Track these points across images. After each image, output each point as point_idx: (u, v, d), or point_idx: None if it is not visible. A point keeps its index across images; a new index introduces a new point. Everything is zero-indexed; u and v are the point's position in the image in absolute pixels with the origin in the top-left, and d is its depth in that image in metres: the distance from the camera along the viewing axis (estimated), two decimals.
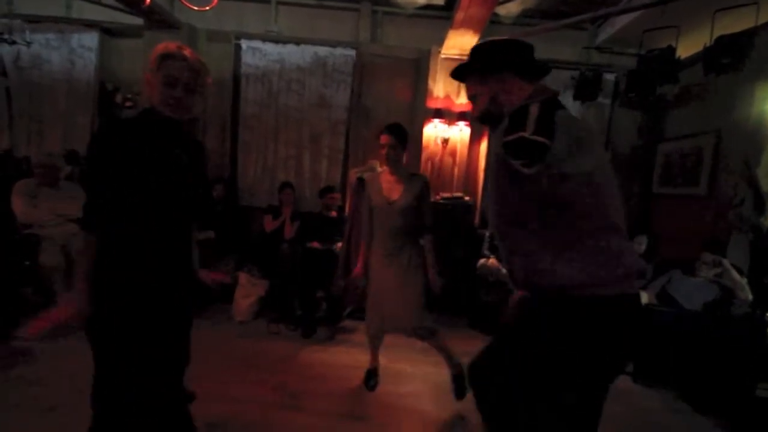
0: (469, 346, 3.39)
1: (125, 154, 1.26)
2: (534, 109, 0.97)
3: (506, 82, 1.18)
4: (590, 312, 1.06)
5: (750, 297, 2.85)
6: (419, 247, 2.35)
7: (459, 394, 2.37)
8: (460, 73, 1.30)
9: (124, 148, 1.26)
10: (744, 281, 2.92)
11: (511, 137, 0.97)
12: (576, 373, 1.08)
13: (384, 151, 2.27)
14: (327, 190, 4.14)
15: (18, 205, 3.16)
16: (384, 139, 2.27)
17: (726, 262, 3.04)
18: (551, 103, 1.01)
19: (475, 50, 1.25)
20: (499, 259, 3.71)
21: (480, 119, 1.26)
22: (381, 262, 2.34)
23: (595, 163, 1.04)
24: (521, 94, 1.16)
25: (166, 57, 1.30)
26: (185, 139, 1.43)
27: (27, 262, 3.05)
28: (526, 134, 0.94)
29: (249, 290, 3.64)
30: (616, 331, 1.08)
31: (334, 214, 4.12)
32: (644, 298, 3.10)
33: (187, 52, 1.33)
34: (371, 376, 2.61)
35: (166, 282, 1.39)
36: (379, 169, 4.23)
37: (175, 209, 1.39)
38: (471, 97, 1.28)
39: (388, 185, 2.32)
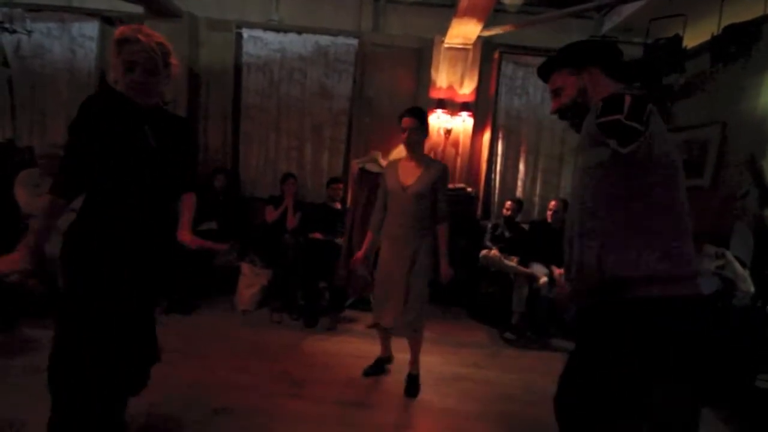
0: (470, 337, 3.44)
1: (95, 129, 1.29)
2: (628, 99, 1.01)
3: (595, 76, 1.24)
4: (670, 312, 1.09)
5: (752, 289, 2.84)
6: (431, 236, 2.31)
7: (414, 392, 2.41)
8: (547, 68, 1.34)
9: (95, 124, 1.29)
10: (746, 273, 2.91)
11: (607, 118, 1.02)
12: (662, 372, 1.13)
13: (405, 135, 2.21)
14: (332, 181, 4.14)
15: (22, 195, 3.17)
16: (406, 122, 2.21)
17: (729, 254, 3.03)
18: (644, 98, 1.04)
19: (567, 46, 1.30)
20: (503, 250, 3.71)
21: (563, 112, 1.30)
22: (391, 249, 2.32)
23: (676, 157, 1.11)
24: (608, 90, 1.18)
25: (122, 42, 1.31)
26: (158, 119, 1.44)
27: None
28: (622, 118, 0.99)
29: (252, 280, 3.66)
30: (691, 333, 1.13)
31: (338, 205, 4.12)
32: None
33: (142, 35, 1.32)
34: (378, 365, 2.63)
35: (132, 257, 1.42)
36: (381, 161, 4.23)
37: (143, 188, 1.40)
38: (555, 91, 1.32)
39: (405, 171, 2.28)
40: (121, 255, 1.40)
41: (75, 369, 1.36)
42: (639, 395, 1.13)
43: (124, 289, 1.42)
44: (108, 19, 4.46)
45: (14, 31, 4.19)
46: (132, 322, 1.49)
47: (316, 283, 3.60)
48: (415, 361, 2.47)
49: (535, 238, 3.76)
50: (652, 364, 1.10)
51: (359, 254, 2.45)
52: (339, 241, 3.89)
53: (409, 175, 2.26)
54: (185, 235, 1.58)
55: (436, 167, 2.28)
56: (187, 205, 1.62)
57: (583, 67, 1.25)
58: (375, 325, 2.53)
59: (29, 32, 4.27)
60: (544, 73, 1.35)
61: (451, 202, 4.14)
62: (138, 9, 4.17)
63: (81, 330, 1.36)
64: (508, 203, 4.04)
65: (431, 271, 2.33)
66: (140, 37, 1.31)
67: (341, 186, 4.16)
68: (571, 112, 1.28)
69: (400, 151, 4.64)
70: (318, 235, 3.81)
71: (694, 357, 1.13)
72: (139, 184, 1.39)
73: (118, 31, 1.32)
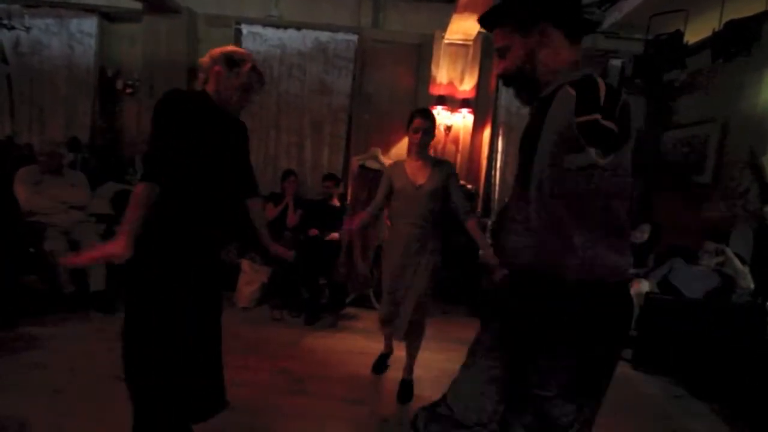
0: (470, 334, 3.42)
1: (187, 121, 1.36)
2: (602, 87, 0.85)
3: (547, 37, 1.00)
4: (617, 296, 1.01)
5: (751, 286, 2.85)
6: (439, 238, 2.32)
7: (409, 398, 2.36)
8: (490, 19, 1.09)
9: (187, 116, 1.36)
10: (746, 270, 2.92)
11: (585, 118, 0.85)
12: (610, 354, 1.04)
13: (418, 136, 2.21)
14: (325, 178, 4.13)
15: (22, 192, 3.16)
16: (418, 122, 2.21)
17: (729, 250, 3.04)
18: (616, 89, 0.88)
19: None
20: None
21: (507, 78, 1.08)
22: (400, 249, 2.29)
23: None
24: (564, 57, 1.00)
25: (254, 69, 1.49)
26: (234, 120, 1.58)
27: (31, 250, 3.07)
28: (599, 117, 0.83)
29: (252, 277, 3.66)
30: (630, 314, 1.10)
31: (336, 202, 4.12)
32: (646, 286, 3.10)
33: (257, 64, 1.54)
34: (382, 361, 2.63)
35: (207, 248, 1.49)
36: (381, 158, 4.22)
37: (222, 182, 1.49)
38: (500, 50, 1.07)
39: (414, 170, 2.27)
40: (197, 258, 1.46)
41: (158, 370, 1.39)
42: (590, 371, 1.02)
43: (199, 295, 1.47)
44: (106, 15, 4.44)
45: (12, 28, 4.18)
46: (205, 327, 1.53)
47: (316, 279, 3.61)
48: (410, 366, 2.43)
49: None
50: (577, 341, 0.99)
51: (354, 223, 2.41)
52: (337, 235, 3.86)
53: (419, 174, 2.25)
54: (277, 247, 1.74)
55: (446, 165, 2.30)
56: (260, 213, 1.78)
57: (534, 24, 1.00)
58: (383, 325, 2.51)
59: (27, 28, 4.25)
60: (487, 23, 1.11)
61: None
62: (137, 5, 4.15)
63: (164, 332, 1.38)
64: None
65: (437, 271, 2.32)
66: (257, 64, 1.52)
67: (331, 184, 4.12)
68: (517, 81, 1.07)
69: (400, 148, 4.64)
70: (315, 232, 3.81)
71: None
72: (218, 187, 1.47)
73: (245, 56, 1.50)
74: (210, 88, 1.48)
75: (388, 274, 2.35)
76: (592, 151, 0.86)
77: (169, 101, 1.36)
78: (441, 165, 2.28)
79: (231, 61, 1.47)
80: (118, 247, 1.23)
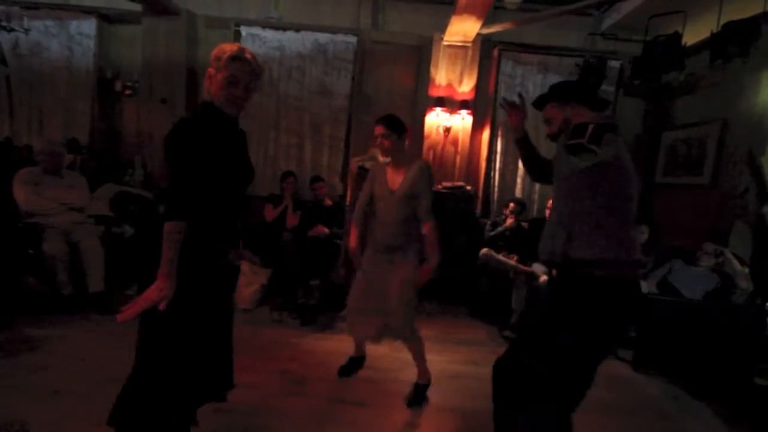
0: (469, 335, 3.45)
1: (205, 149, 1.33)
2: (591, 128, 1.31)
3: (576, 108, 1.55)
4: (614, 290, 1.41)
5: (750, 286, 2.85)
6: (419, 243, 2.24)
7: (415, 402, 2.30)
8: (541, 102, 1.66)
9: (204, 144, 1.33)
10: (745, 271, 2.92)
11: (573, 141, 1.34)
12: (600, 342, 1.45)
13: (378, 142, 2.23)
14: (312, 180, 4.13)
15: (21, 193, 3.16)
16: (377, 130, 2.23)
17: (727, 251, 3.04)
18: (604, 126, 1.33)
19: (554, 86, 1.64)
20: (502, 248, 3.72)
21: (553, 136, 1.62)
22: (375, 256, 2.27)
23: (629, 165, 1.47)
24: (585, 118, 1.46)
25: (234, 59, 1.40)
26: (236, 129, 1.52)
27: (30, 251, 3.07)
28: (584, 141, 1.30)
29: (251, 278, 3.66)
30: (629, 308, 1.45)
31: (329, 202, 4.11)
32: (645, 287, 3.11)
33: (248, 54, 1.44)
34: (352, 363, 2.54)
35: (224, 266, 1.51)
36: (381, 159, 4.23)
37: (238, 198, 1.51)
38: (546, 120, 1.64)
39: (391, 176, 2.27)
40: (218, 266, 1.47)
41: (170, 374, 1.38)
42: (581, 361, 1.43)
43: (215, 297, 1.48)
44: (106, 17, 4.44)
45: (12, 30, 4.18)
46: (220, 333, 1.56)
47: (309, 281, 3.61)
48: (420, 370, 2.36)
49: (535, 236, 3.75)
50: (596, 331, 1.40)
51: (352, 239, 2.39)
52: (326, 229, 3.85)
53: (395, 180, 2.24)
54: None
55: (416, 165, 2.23)
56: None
57: (567, 102, 1.56)
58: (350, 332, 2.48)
59: (27, 30, 4.25)
60: (538, 105, 1.67)
61: (450, 200, 4.08)
62: (136, 6, 4.15)
63: (183, 340, 1.38)
64: (511, 205, 3.99)
65: (411, 276, 2.22)
66: (248, 56, 1.43)
67: (320, 184, 4.11)
68: (560, 137, 1.57)
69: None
70: (324, 230, 3.80)
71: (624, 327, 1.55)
72: (234, 198, 1.48)
73: (228, 46, 1.43)
74: (209, 96, 1.45)
75: (359, 282, 2.34)
76: (574, 159, 1.37)
77: (178, 134, 1.33)
78: (413, 167, 2.22)
79: (215, 58, 1.42)
80: (163, 290, 1.25)
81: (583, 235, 1.41)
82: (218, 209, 1.42)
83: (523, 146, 1.85)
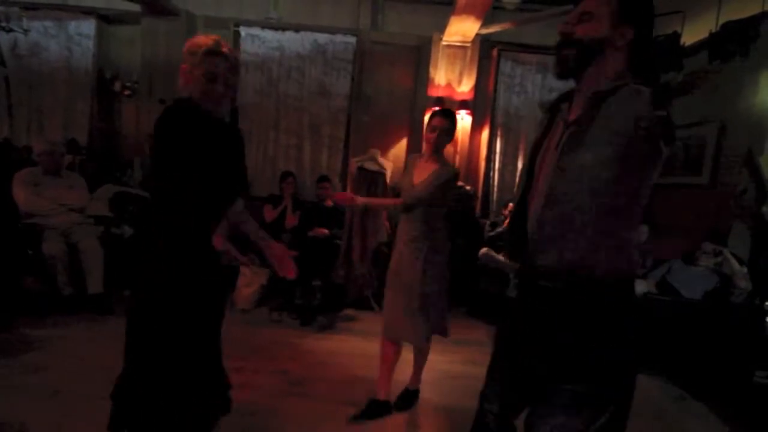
0: (469, 335, 3.44)
1: (188, 144, 1.28)
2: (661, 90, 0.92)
3: (624, 45, 1.01)
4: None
5: (749, 286, 2.85)
6: (442, 239, 2.21)
7: (403, 407, 2.26)
8: None
9: (186, 139, 1.28)
10: (744, 270, 2.92)
11: (661, 112, 0.90)
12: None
13: (434, 135, 2.13)
14: (320, 179, 4.13)
15: (20, 194, 3.15)
16: (437, 121, 2.14)
17: (726, 251, 3.04)
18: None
19: None
20: (502, 248, 3.72)
21: (569, 41, 1.04)
22: (400, 249, 2.23)
23: None
24: (617, 66, 1.02)
25: (209, 53, 1.32)
26: (223, 129, 1.44)
27: (29, 252, 3.07)
28: (667, 113, 0.91)
29: (251, 279, 3.66)
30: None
31: (329, 203, 4.12)
32: (644, 286, 3.11)
33: (225, 48, 1.35)
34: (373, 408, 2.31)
35: (209, 267, 1.44)
36: (380, 159, 4.23)
37: (219, 199, 1.42)
38: (584, 13, 1.04)
39: (420, 171, 2.21)
40: (203, 268, 1.41)
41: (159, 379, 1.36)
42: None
43: (203, 300, 1.44)
44: (105, 17, 4.44)
45: (11, 30, 4.17)
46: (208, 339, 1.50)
47: (310, 281, 3.61)
48: (416, 376, 2.35)
49: None
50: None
51: (355, 197, 2.35)
52: (326, 230, 3.86)
53: (423, 173, 2.18)
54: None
55: (449, 169, 2.19)
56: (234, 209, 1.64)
57: (628, 20, 1.01)
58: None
59: (26, 31, 4.25)
60: None
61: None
62: (135, 7, 4.15)
63: (170, 345, 1.36)
64: (510, 205, 4.00)
65: (446, 272, 2.22)
66: (224, 50, 1.34)
67: (327, 185, 4.13)
68: (574, 50, 1.04)
69: (399, 149, 4.66)
70: (324, 231, 3.81)
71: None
72: (219, 196, 1.41)
73: (203, 40, 1.34)
74: (185, 92, 1.36)
75: (388, 280, 2.28)
76: (660, 141, 0.93)
77: (171, 121, 1.30)
78: (443, 169, 2.18)
79: (189, 54, 1.33)
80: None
81: (606, 236, 1.02)
82: (205, 210, 1.36)
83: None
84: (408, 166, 2.32)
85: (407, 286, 2.14)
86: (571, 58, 1.04)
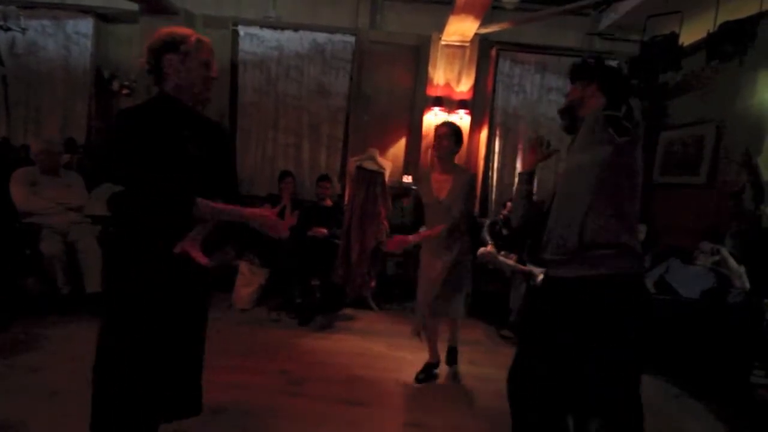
0: (467, 334, 3.45)
1: (138, 142, 1.23)
2: (624, 106, 1.31)
3: (595, 94, 1.47)
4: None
5: (747, 285, 2.86)
6: (468, 241, 2.45)
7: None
8: (572, 74, 1.57)
9: (137, 136, 1.24)
10: (742, 269, 2.93)
11: (609, 113, 1.31)
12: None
13: (435, 143, 2.38)
14: (320, 179, 4.13)
15: (18, 193, 3.14)
16: (441, 129, 2.36)
17: (724, 250, 3.05)
18: (633, 109, 1.35)
19: (582, 62, 1.56)
20: (500, 248, 3.72)
21: (561, 111, 1.57)
22: (432, 254, 2.43)
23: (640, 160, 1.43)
24: (599, 105, 1.43)
25: (200, 41, 1.32)
26: (201, 126, 1.38)
27: (27, 251, 3.06)
28: (620, 116, 1.28)
29: (249, 279, 3.65)
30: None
31: (328, 203, 4.11)
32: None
33: (202, 36, 1.35)
34: (428, 370, 2.60)
35: (180, 269, 1.36)
36: (380, 159, 4.22)
37: (183, 197, 1.31)
38: (567, 96, 1.57)
39: (438, 184, 2.40)
40: (167, 267, 1.35)
41: (126, 377, 1.37)
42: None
43: (174, 303, 1.41)
44: (103, 16, 4.43)
45: (8, 29, 4.15)
46: (180, 337, 1.49)
47: (309, 280, 3.61)
48: (453, 336, 2.75)
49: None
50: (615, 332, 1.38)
51: (407, 238, 2.44)
52: (325, 230, 3.86)
53: (443, 187, 2.39)
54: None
55: (465, 174, 2.42)
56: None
57: (590, 82, 1.47)
58: (418, 334, 2.60)
59: (23, 30, 4.23)
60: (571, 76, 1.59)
61: None
62: (133, 6, 4.13)
63: (134, 345, 1.37)
64: (509, 204, 4.01)
65: (470, 271, 2.49)
66: (202, 37, 1.34)
67: (328, 184, 4.13)
68: (566, 114, 1.55)
69: (398, 149, 4.66)
70: (324, 231, 3.81)
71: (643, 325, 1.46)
72: (183, 189, 1.32)
73: (183, 31, 1.31)
74: (168, 86, 1.30)
75: (420, 278, 2.51)
76: (611, 131, 1.28)
77: (120, 121, 1.26)
78: (462, 177, 2.40)
79: (173, 44, 1.27)
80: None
81: (602, 220, 1.37)
82: (163, 211, 1.29)
83: (528, 180, 1.72)
84: (423, 181, 2.51)
85: (443, 278, 2.39)
86: (564, 121, 1.57)
